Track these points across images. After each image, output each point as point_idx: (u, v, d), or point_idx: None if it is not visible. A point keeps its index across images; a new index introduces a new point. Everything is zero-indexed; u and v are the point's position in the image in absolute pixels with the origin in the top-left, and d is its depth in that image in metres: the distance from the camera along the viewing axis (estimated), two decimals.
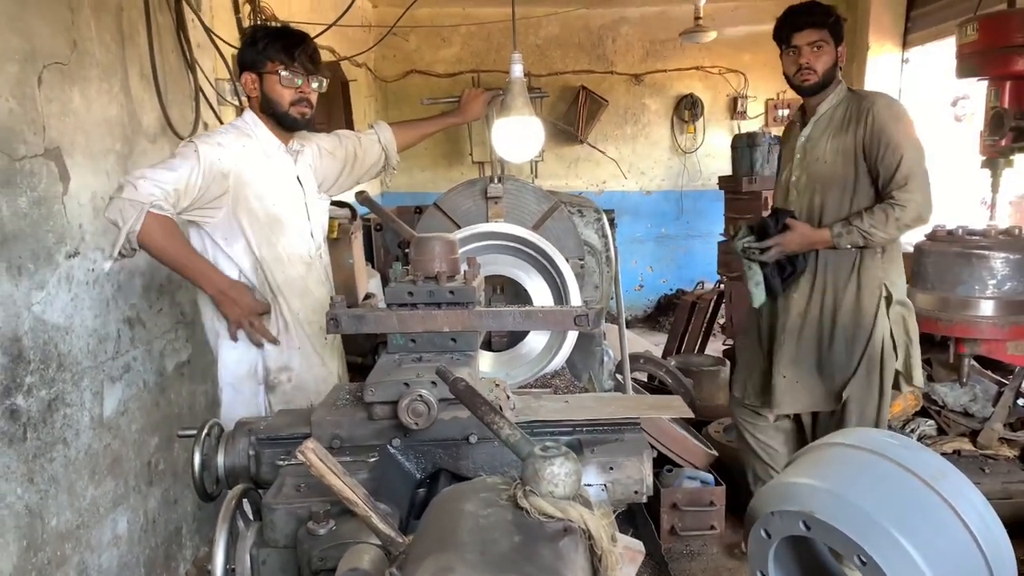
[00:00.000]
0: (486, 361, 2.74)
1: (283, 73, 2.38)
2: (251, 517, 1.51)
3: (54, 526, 2.40)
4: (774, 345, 3.07)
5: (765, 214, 3.11)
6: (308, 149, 2.63)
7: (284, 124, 2.47)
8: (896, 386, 2.97)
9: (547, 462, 0.92)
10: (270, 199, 2.43)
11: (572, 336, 2.64)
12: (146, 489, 2.95)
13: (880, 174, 2.79)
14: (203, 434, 1.66)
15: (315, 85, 2.47)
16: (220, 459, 1.64)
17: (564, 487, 0.91)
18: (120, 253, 2.21)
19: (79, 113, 2.56)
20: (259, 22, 4.07)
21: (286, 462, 1.54)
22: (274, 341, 2.50)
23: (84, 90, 2.60)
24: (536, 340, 2.77)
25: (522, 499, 0.91)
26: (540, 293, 2.64)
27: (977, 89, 3.62)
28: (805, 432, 3.18)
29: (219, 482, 1.66)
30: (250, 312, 2.43)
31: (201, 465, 1.63)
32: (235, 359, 2.50)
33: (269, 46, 2.38)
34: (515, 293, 2.76)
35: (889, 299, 2.87)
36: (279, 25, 2.50)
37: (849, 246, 2.82)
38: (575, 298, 2.59)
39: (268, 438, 1.65)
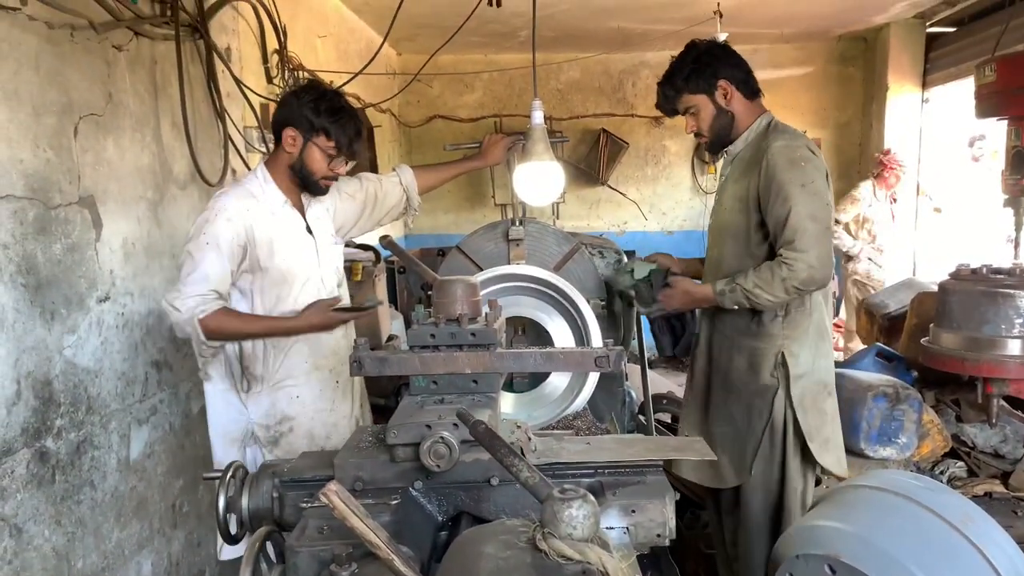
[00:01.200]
0: (508, 402, 2.74)
1: (332, 155, 2.43)
2: (274, 559, 1.52)
3: (80, 568, 2.42)
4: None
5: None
6: (326, 195, 2.63)
7: (308, 189, 2.52)
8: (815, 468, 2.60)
9: (565, 504, 0.93)
10: (279, 256, 2.44)
11: (594, 377, 2.64)
12: (170, 532, 2.97)
13: (771, 227, 2.43)
14: (228, 476, 1.67)
15: (349, 166, 2.55)
16: (244, 501, 1.66)
17: (583, 529, 0.92)
18: (202, 355, 2.36)
19: (112, 162, 2.64)
20: (287, 72, 4.19)
21: (309, 504, 1.55)
22: (357, 313, 2.59)
23: (118, 140, 2.68)
24: (558, 381, 2.77)
25: (541, 541, 0.92)
26: (561, 334, 2.65)
27: (995, 129, 3.62)
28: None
29: (243, 524, 1.67)
30: (335, 323, 2.49)
31: (226, 507, 1.65)
32: (227, 417, 2.52)
33: (330, 124, 2.38)
34: (537, 334, 2.78)
35: (786, 369, 2.48)
36: (339, 93, 2.51)
37: (735, 306, 2.46)
38: (596, 339, 2.60)
39: (292, 480, 1.66)
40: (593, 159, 7.85)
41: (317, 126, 2.39)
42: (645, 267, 2.71)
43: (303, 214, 2.55)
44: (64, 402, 2.36)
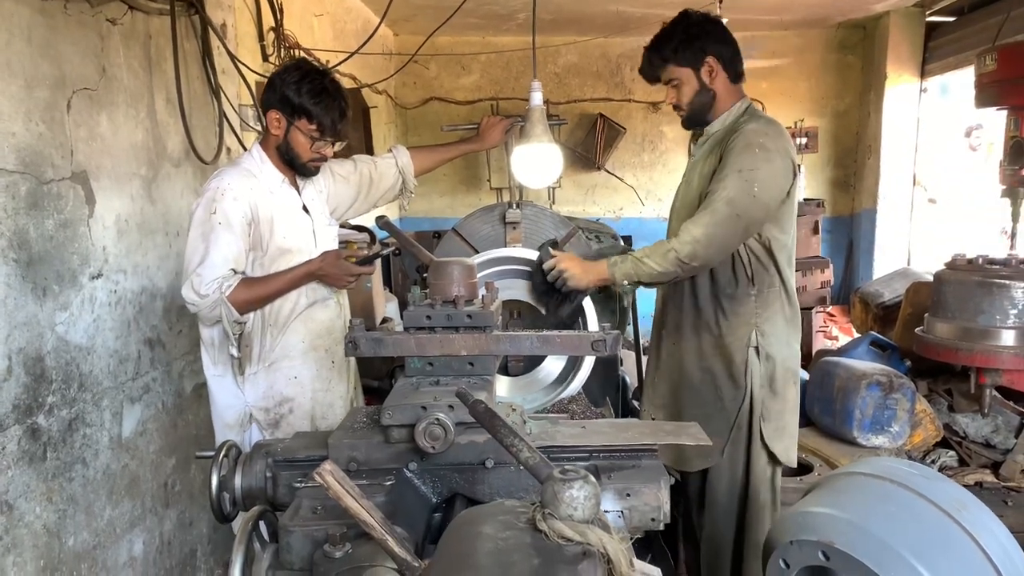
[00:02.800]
0: (503, 386, 2.74)
1: (315, 138, 2.41)
2: (267, 539, 1.51)
3: (71, 546, 2.42)
4: (642, 385, 2.75)
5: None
6: (320, 176, 2.64)
7: (296, 170, 2.52)
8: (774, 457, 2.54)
9: (567, 485, 0.92)
10: (280, 233, 2.46)
11: (589, 362, 2.64)
12: (162, 511, 2.96)
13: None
14: (221, 455, 1.67)
15: (337, 147, 2.52)
16: (237, 481, 1.66)
17: (583, 510, 0.91)
18: (233, 332, 2.37)
19: (106, 137, 2.61)
20: (283, 50, 4.14)
21: (303, 484, 1.54)
22: (371, 266, 2.59)
23: (111, 115, 2.65)
24: (553, 365, 2.77)
25: (541, 522, 0.91)
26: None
27: (992, 119, 3.61)
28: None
29: (236, 504, 1.67)
30: (345, 273, 2.47)
31: (219, 486, 1.65)
32: (222, 404, 2.54)
33: (312, 106, 2.35)
34: (533, 318, 2.77)
35: (758, 351, 2.47)
36: (323, 73, 2.46)
37: (624, 279, 2.41)
38: (592, 323, 2.60)
39: (285, 460, 1.66)
40: (590, 144, 7.82)
41: (299, 109, 2.36)
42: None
43: (299, 194, 2.56)
44: (56, 379, 2.34)
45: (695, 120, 2.59)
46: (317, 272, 2.45)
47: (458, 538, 0.97)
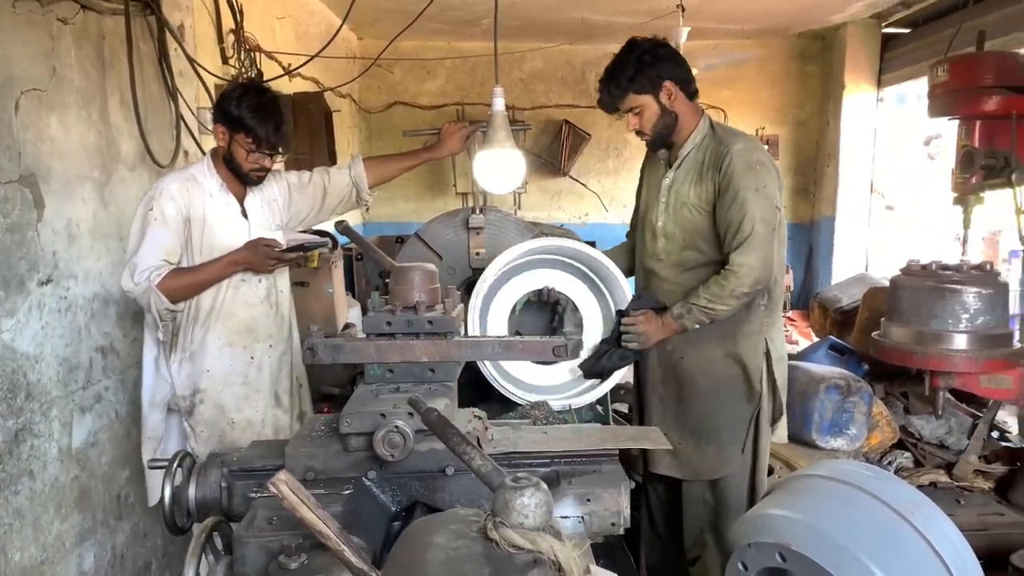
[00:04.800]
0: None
1: (252, 150, 2.57)
2: (222, 551, 1.48)
3: (17, 561, 2.34)
4: (649, 397, 2.79)
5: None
6: (272, 187, 2.78)
7: (241, 180, 2.67)
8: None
9: (518, 493, 0.91)
10: (210, 234, 2.61)
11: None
12: (115, 523, 2.88)
13: (722, 228, 2.49)
14: (174, 465, 1.63)
15: (276, 159, 2.68)
16: (191, 491, 1.62)
17: (534, 518, 0.90)
18: (163, 319, 2.55)
19: (56, 139, 2.55)
20: (244, 53, 4.09)
21: (258, 494, 1.51)
22: (298, 258, 2.78)
23: (62, 117, 2.58)
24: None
25: (492, 531, 0.90)
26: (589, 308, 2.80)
27: (950, 128, 3.69)
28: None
29: (190, 515, 1.63)
30: (265, 259, 2.61)
31: (171, 497, 1.61)
32: (153, 382, 2.68)
33: (248, 120, 2.52)
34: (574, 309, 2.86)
35: (768, 355, 2.61)
36: (263, 90, 2.62)
37: (697, 325, 2.52)
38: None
39: (241, 470, 1.62)
40: (555, 150, 7.84)
41: (238, 123, 2.54)
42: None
43: (242, 200, 2.69)
44: (1, 388, 2.27)
45: (661, 143, 2.66)
46: (241, 260, 2.60)
47: (409, 548, 0.96)
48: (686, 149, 2.60)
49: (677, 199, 2.62)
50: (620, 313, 2.65)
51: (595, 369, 2.67)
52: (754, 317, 2.59)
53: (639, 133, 2.63)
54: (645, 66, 2.52)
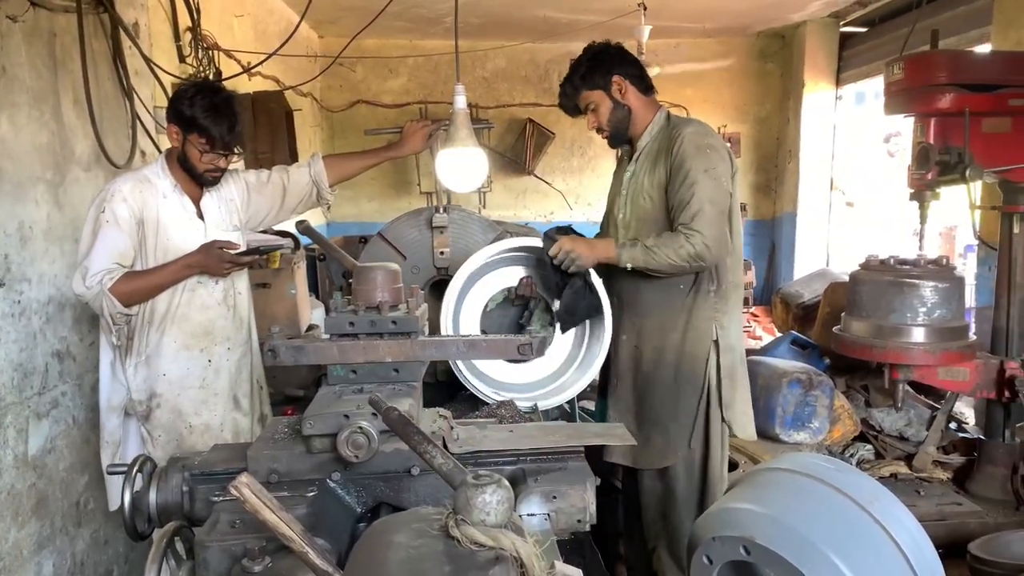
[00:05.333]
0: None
1: (205, 150, 2.52)
2: (184, 556, 1.45)
3: None
4: (608, 388, 2.82)
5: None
6: (229, 186, 2.73)
7: (196, 180, 2.61)
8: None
9: (479, 490, 0.91)
10: (164, 236, 2.56)
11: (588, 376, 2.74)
12: (74, 530, 2.82)
13: (672, 207, 2.55)
14: (134, 470, 1.59)
15: (232, 159, 2.62)
16: (152, 496, 1.58)
17: (496, 515, 0.90)
18: (116, 323, 2.47)
19: (6, 140, 2.48)
20: (201, 51, 4.02)
21: (221, 498, 1.49)
22: (254, 261, 2.74)
23: (12, 116, 2.51)
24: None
25: (453, 528, 0.90)
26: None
27: (907, 126, 3.76)
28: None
29: (151, 520, 1.60)
30: (220, 262, 2.55)
31: (132, 503, 1.57)
32: (110, 387, 2.61)
33: (201, 120, 2.46)
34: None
35: (718, 344, 2.63)
36: (217, 90, 2.57)
37: (630, 262, 2.53)
38: (603, 295, 2.66)
39: (203, 474, 1.59)
40: (520, 149, 7.85)
41: (191, 123, 2.48)
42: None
43: (197, 201, 2.63)
44: None
45: (619, 138, 2.74)
46: (196, 263, 2.55)
47: (369, 547, 0.95)
48: (643, 141, 2.69)
49: (635, 189, 2.69)
50: (544, 251, 2.63)
51: (564, 315, 2.67)
52: (702, 303, 2.62)
53: (599, 130, 2.73)
54: (595, 64, 2.66)
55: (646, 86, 2.70)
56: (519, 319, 2.89)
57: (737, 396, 2.68)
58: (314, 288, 4.54)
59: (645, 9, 5.83)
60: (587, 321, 2.77)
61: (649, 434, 2.67)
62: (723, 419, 2.65)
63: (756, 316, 6.99)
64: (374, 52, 7.42)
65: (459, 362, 2.61)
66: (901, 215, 6.78)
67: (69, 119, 2.84)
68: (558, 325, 2.74)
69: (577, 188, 8.23)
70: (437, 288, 2.94)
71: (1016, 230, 3.47)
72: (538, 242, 2.71)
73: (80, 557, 2.85)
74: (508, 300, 2.88)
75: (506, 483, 0.92)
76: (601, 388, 2.95)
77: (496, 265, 2.79)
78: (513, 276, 2.81)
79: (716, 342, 2.62)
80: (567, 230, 2.69)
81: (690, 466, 2.66)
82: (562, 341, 2.84)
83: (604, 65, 2.65)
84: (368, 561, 0.91)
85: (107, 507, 2.77)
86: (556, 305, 2.70)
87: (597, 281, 2.66)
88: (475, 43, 7.49)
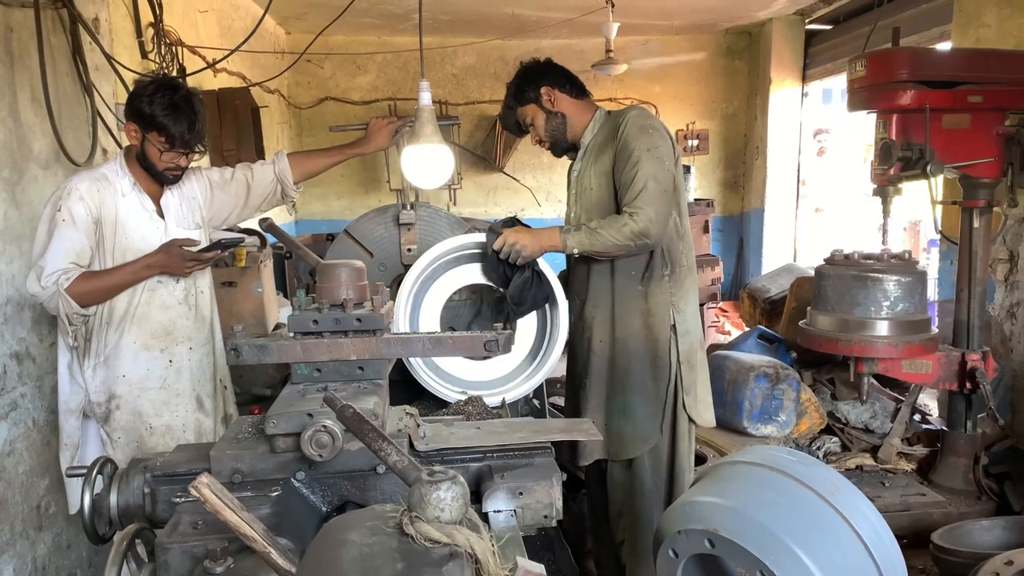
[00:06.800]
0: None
1: (165, 149, 2.47)
2: (145, 558, 1.43)
3: None
4: (577, 386, 2.82)
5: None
6: (191, 184, 2.70)
7: (156, 179, 2.57)
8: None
9: (433, 487, 0.90)
10: (122, 235, 2.52)
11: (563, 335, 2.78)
12: (35, 534, 2.76)
13: (619, 189, 2.57)
14: (94, 473, 1.57)
15: (193, 158, 2.58)
16: (113, 498, 1.56)
17: (451, 511, 0.90)
18: (72, 324, 2.44)
19: None
20: (164, 47, 3.96)
21: (182, 499, 1.46)
22: (216, 257, 2.65)
23: None
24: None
25: (408, 525, 0.89)
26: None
27: (839, 123, 3.77)
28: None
29: (112, 523, 1.57)
30: (182, 261, 2.51)
31: (91, 505, 1.54)
32: (69, 389, 2.56)
33: (161, 119, 2.42)
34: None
35: (675, 328, 2.64)
36: (176, 87, 2.50)
37: (576, 248, 2.54)
38: (555, 283, 2.73)
39: (164, 475, 1.57)
40: (490, 145, 7.84)
41: (150, 121, 2.44)
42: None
43: (157, 200, 2.60)
44: None
45: (561, 146, 2.82)
46: (156, 264, 2.51)
47: (323, 546, 0.94)
48: (586, 138, 2.76)
49: (582, 185, 2.74)
50: (489, 244, 2.66)
51: (511, 306, 2.69)
52: (656, 288, 2.64)
53: (540, 142, 2.82)
54: (524, 81, 2.77)
55: (578, 90, 2.77)
56: (478, 312, 2.90)
57: (697, 380, 2.70)
58: (282, 287, 4.51)
59: (613, 6, 5.85)
60: (546, 308, 2.80)
61: (621, 423, 2.68)
62: (683, 405, 2.66)
63: (725, 311, 7.05)
64: (342, 49, 7.36)
65: (418, 361, 2.61)
66: (860, 210, 6.89)
67: (27, 116, 2.78)
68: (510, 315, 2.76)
69: (547, 185, 8.25)
70: None
71: (976, 224, 3.53)
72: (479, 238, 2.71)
73: (41, 562, 2.79)
74: (468, 299, 2.88)
75: (461, 479, 0.91)
76: (569, 384, 2.95)
77: (456, 263, 2.77)
78: (475, 272, 2.79)
79: (674, 327, 2.65)
80: (512, 222, 2.70)
81: (657, 458, 2.67)
82: (523, 335, 2.84)
83: (532, 80, 2.75)
84: (321, 559, 0.90)
85: (68, 510, 2.72)
86: (503, 289, 2.73)
87: (546, 269, 2.69)
88: (444, 40, 7.46)
